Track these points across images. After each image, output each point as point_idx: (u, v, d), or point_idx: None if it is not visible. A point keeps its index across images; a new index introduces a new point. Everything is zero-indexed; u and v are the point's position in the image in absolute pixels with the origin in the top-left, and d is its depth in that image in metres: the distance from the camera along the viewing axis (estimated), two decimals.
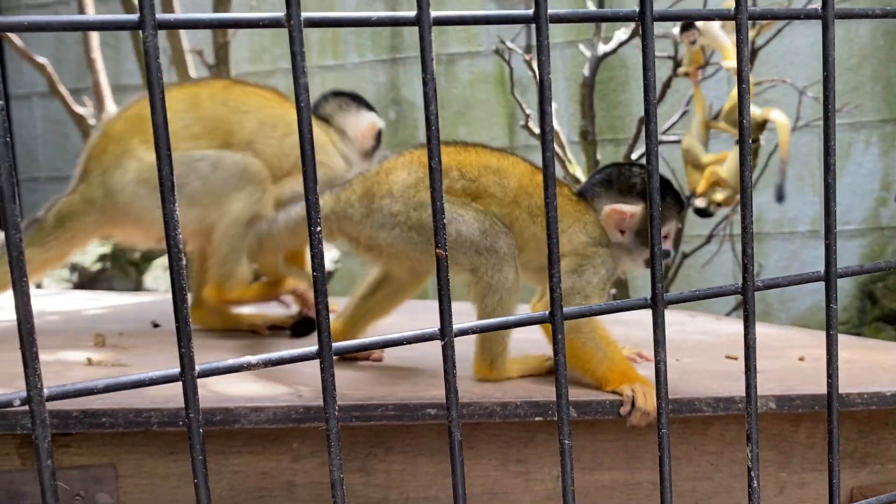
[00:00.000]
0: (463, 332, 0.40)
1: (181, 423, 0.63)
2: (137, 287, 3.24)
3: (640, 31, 0.43)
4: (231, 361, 0.36)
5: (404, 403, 0.61)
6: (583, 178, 2.86)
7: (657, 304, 0.42)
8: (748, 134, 0.45)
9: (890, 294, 3.51)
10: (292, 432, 0.68)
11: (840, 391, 0.76)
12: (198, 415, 0.35)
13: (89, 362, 0.95)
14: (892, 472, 0.88)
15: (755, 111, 2.40)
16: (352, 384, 0.71)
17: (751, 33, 2.65)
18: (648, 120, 0.44)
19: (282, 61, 4.09)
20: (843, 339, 1.32)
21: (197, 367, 0.35)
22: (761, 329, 1.25)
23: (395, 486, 0.69)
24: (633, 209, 0.93)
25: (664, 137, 2.69)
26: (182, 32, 3.42)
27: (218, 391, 0.71)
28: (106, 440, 0.67)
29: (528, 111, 2.79)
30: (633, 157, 2.92)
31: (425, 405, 0.63)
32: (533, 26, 0.42)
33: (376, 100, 4.05)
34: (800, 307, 3.68)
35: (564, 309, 0.40)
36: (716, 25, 2.33)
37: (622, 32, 2.87)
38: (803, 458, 0.81)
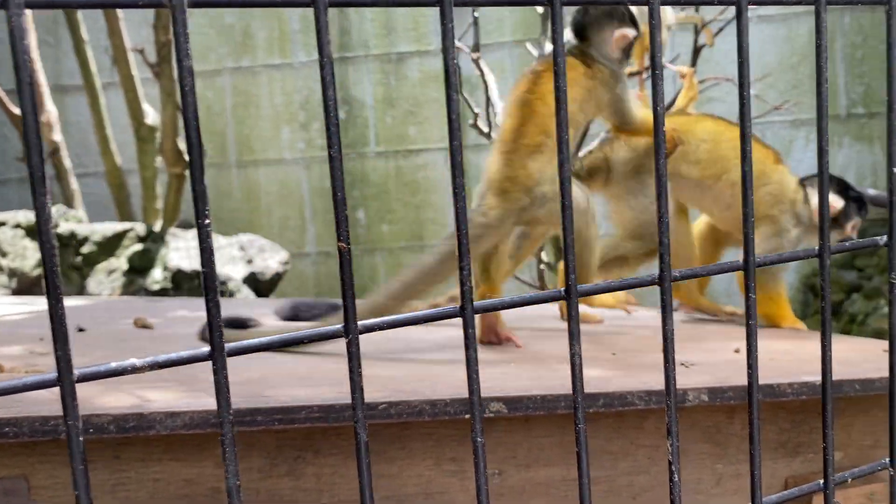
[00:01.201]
0: (368, 330, 0.39)
1: (91, 430, 0.60)
2: (80, 292, 3.15)
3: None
4: (114, 365, 0.33)
5: (329, 405, 0.59)
6: None
7: (571, 296, 0.41)
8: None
9: (832, 287, 3.60)
10: (215, 437, 0.65)
11: (771, 382, 0.76)
12: (77, 422, 0.33)
13: (1, 369, 0.91)
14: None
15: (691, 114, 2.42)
16: (276, 384, 0.68)
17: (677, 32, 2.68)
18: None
19: (228, 60, 4.03)
20: (783, 331, 1.33)
21: (76, 372, 0.33)
22: (700, 322, 1.26)
23: (327, 490, 0.67)
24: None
25: (608, 137, 2.69)
26: (124, 31, 3.34)
27: (140, 395, 0.68)
28: (17, 450, 0.64)
29: (476, 110, 2.78)
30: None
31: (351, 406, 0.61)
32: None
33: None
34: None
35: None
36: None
37: (568, 31, 2.88)
38: (739, 449, 0.82)
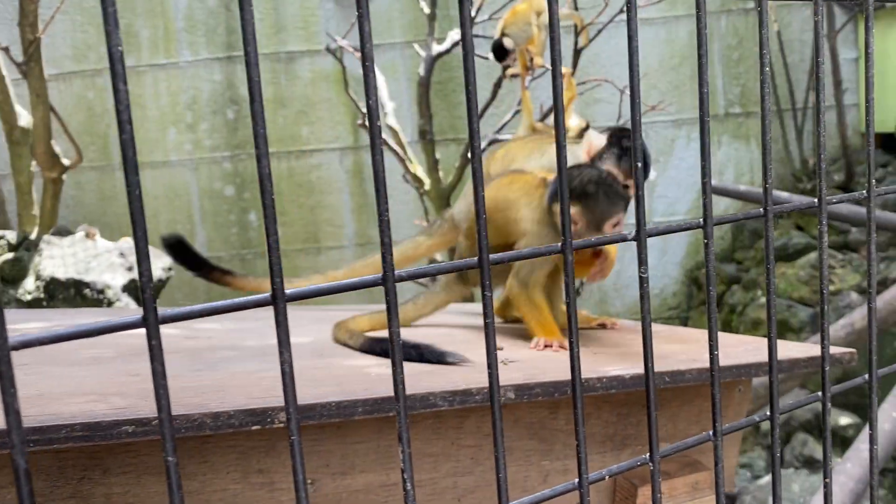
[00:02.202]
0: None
1: None
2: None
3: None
4: None
5: (96, 422, 0.56)
6: (424, 176, 2.87)
7: (277, 301, 0.40)
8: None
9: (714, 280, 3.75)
10: None
11: (581, 376, 0.78)
12: None
13: None
14: None
15: (576, 122, 2.47)
16: (56, 398, 0.64)
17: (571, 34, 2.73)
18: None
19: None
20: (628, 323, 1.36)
21: None
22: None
23: None
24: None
25: (497, 136, 2.73)
26: None
27: None
28: None
29: (364, 110, 2.76)
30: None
31: (122, 422, 0.58)
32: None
33: (212, 99, 3.92)
34: (633, 294, 3.86)
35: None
36: (531, 18, 2.37)
37: (455, 33, 2.90)
38: (565, 444, 0.83)
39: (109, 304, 2.81)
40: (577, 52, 2.67)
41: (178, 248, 1.38)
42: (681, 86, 3.82)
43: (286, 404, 0.39)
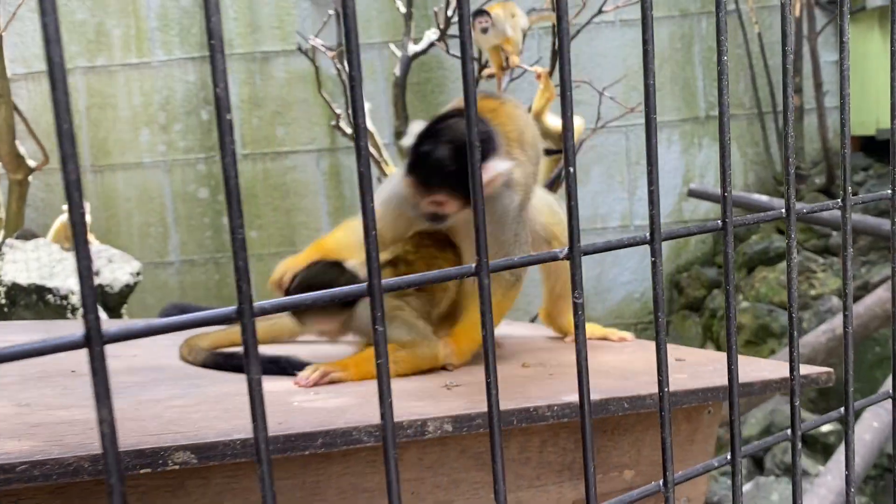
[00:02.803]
0: (264, 312, 0.31)
1: None
2: None
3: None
4: None
5: None
6: None
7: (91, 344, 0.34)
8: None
9: (693, 283, 3.71)
10: None
11: (529, 404, 0.72)
12: None
13: None
14: (614, 480, 0.86)
15: (555, 122, 2.43)
16: None
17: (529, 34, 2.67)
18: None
19: (81, 59, 3.78)
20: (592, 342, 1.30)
21: None
22: (507, 329, 1.20)
23: None
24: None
25: None
26: None
27: None
28: None
29: (338, 110, 2.70)
30: None
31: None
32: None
33: (186, 100, 3.83)
34: (614, 298, 3.82)
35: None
36: (506, 19, 2.31)
37: (432, 32, 2.83)
38: (518, 475, 0.77)
39: (73, 310, 2.73)
40: (555, 53, 2.62)
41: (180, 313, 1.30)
42: (661, 88, 3.78)
43: (106, 467, 0.32)
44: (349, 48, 0.37)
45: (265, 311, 0.35)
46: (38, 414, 0.64)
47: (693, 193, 2.92)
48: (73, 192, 0.30)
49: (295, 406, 0.69)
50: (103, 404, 0.31)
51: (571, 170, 0.43)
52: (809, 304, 3.26)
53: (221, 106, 0.35)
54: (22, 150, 3.21)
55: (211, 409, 0.66)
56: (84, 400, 0.67)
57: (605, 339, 1.20)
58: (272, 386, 0.77)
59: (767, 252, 3.55)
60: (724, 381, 0.83)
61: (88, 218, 3.01)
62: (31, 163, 3.22)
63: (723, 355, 0.99)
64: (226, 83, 0.34)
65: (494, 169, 0.92)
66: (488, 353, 0.44)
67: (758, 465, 2.98)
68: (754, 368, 0.92)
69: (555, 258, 0.44)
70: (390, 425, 0.35)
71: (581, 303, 0.44)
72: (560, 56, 0.42)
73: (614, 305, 3.83)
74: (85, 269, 0.30)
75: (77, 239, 0.33)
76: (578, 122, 2.52)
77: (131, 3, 3.81)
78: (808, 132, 3.85)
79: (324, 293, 0.37)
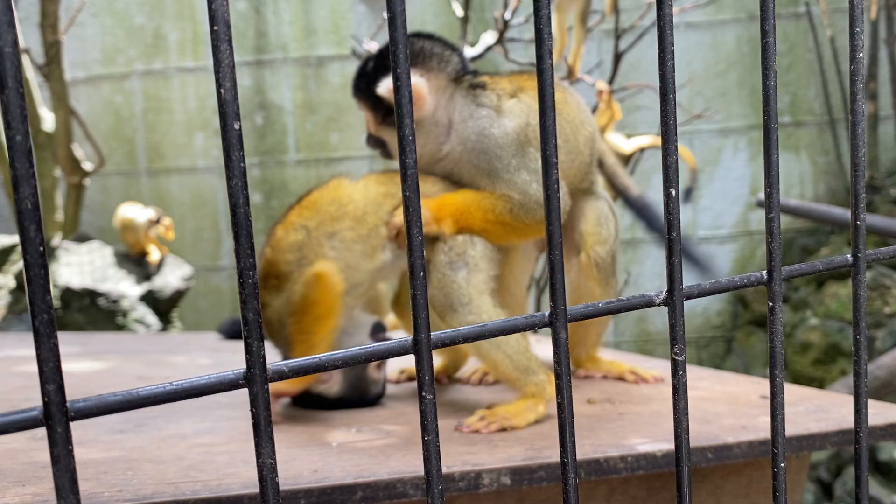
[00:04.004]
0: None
1: None
2: None
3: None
4: None
5: None
6: None
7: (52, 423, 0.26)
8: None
9: (760, 297, 3.54)
10: None
11: (599, 455, 0.63)
12: None
13: None
14: None
15: (618, 141, 2.35)
16: None
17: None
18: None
19: (138, 63, 3.81)
20: (667, 365, 1.20)
21: None
22: (537, 347, 1.09)
23: None
24: None
25: None
26: (19, 29, 3.11)
27: None
28: None
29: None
30: None
31: None
32: None
33: (241, 104, 3.82)
34: (637, 314, 3.67)
35: None
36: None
37: (489, 36, 2.76)
38: None
39: (125, 314, 2.72)
40: (618, 57, 2.51)
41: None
42: (727, 93, 3.62)
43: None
44: (396, 75, 0.29)
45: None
46: (47, 451, 0.57)
47: (762, 204, 2.78)
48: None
49: (334, 447, 0.61)
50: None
51: (673, 192, 0.34)
52: (884, 322, 3.08)
53: (228, 112, 0.27)
54: (79, 153, 3.23)
55: (239, 450, 0.59)
56: (102, 435, 0.61)
57: (632, 374, 1.04)
58: (309, 421, 0.70)
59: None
60: (820, 425, 0.73)
61: (168, 221, 3.00)
62: (88, 166, 3.24)
63: (812, 392, 0.89)
64: (233, 83, 0.26)
65: (386, 85, 0.94)
66: (564, 412, 0.36)
67: (827, 493, 2.81)
68: (851, 411, 0.81)
69: (650, 304, 0.35)
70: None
71: (683, 360, 0.35)
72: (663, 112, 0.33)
73: (634, 321, 3.68)
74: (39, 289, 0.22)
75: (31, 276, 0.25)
76: (647, 140, 2.41)
77: (188, 8, 3.82)
78: (884, 140, 3.65)
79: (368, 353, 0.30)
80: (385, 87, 0.96)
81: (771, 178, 0.35)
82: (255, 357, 0.26)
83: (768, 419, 0.78)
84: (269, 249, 0.97)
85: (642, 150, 2.40)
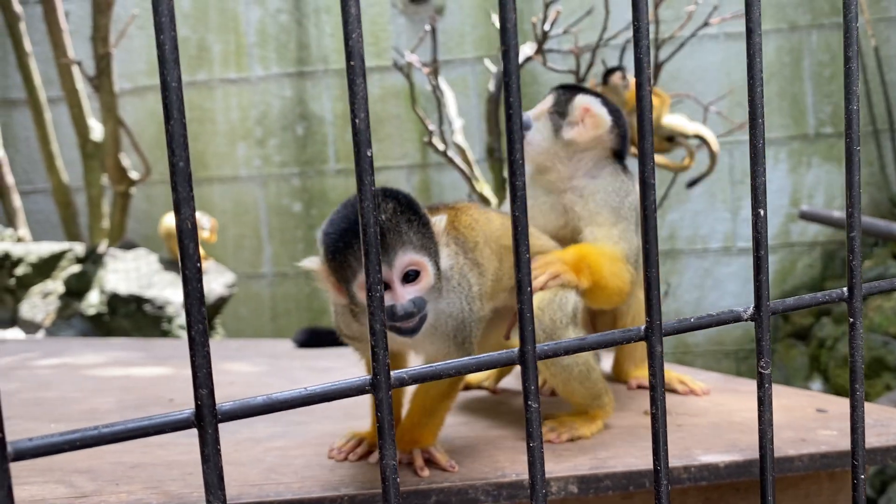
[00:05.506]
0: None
1: None
2: (13, 316, 3.00)
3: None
4: None
5: None
6: (491, 196, 2.76)
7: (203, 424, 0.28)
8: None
9: (799, 311, 3.50)
10: None
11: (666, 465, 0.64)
12: None
13: None
14: None
15: (674, 121, 2.37)
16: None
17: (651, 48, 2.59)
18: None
19: (183, 74, 3.86)
20: (712, 377, 1.20)
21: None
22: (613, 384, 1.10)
23: None
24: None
25: None
26: (67, 44, 3.20)
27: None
28: None
29: (430, 127, 2.67)
30: None
31: None
32: None
33: (282, 115, 3.89)
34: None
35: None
36: None
37: (527, 47, 2.78)
38: None
39: (170, 320, 2.78)
40: (658, 67, 2.52)
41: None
42: (769, 103, 3.60)
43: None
44: (509, 103, 0.31)
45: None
46: (134, 453, 0.60)
47: (805, 216, 2.75)
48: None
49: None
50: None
51: (761, 212, 0.36)
52: None
53: (361, 140, 0.29)
54: (126, 162, 3.31)
55: (314, 454, 0.61)
56: (181, 437, 0.64)
57: (681, 384, 1.02)
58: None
59: (882, 278, 3.33)
60: (881, 440, 0.73)
61: (205, 233, 3.07)
62: (134, 175, 3.32)
63: (870, 407, 0.89)
64: (366, 113, 0.28)
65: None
66: (658, 422, 0.37)
67: None
68: None
69: (738, 319, 0.36)
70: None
71: (768, 373, 0.36)
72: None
73: (714, 332, 3.65)
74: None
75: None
76: (709, 134, 2.42)
77: (232, 20, 3.90)
78: None
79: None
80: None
81: (853, 197, 0.36)
82: (380, 364, 0.28)
83: (827, 432, 0.78)
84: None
85: (701, 139, 2.41)
